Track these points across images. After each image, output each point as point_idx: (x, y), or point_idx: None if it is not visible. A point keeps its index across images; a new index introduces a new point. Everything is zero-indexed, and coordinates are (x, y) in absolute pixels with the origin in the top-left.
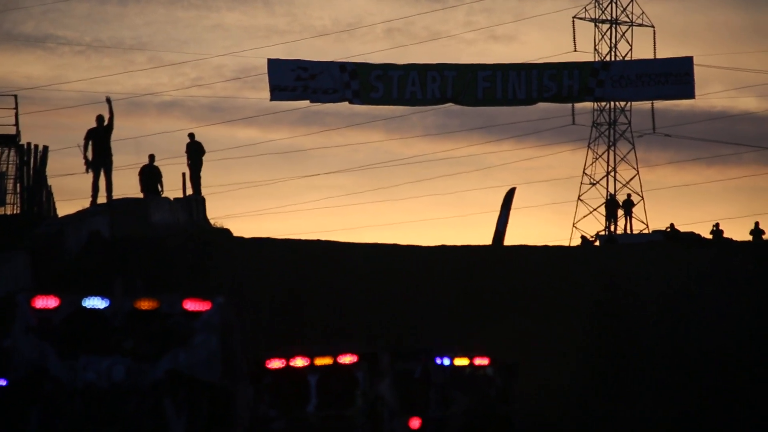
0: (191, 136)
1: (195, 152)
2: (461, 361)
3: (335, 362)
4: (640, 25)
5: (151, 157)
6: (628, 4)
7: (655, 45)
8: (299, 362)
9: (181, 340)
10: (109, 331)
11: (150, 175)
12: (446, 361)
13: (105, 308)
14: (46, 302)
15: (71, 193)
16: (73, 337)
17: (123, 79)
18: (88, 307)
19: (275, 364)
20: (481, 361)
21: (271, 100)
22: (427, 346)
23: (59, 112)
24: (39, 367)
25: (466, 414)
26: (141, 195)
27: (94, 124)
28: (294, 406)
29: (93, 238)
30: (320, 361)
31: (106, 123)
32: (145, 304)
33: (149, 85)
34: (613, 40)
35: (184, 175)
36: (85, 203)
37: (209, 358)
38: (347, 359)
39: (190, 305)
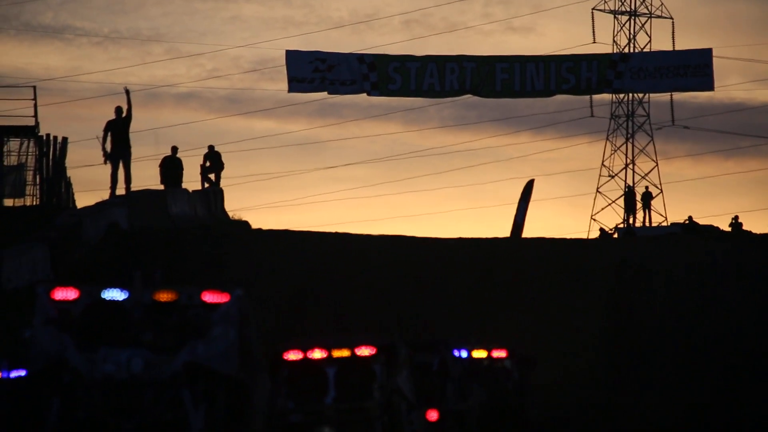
0: (211, 148)
1: (216, 163)
2: (479, 354)
3: (353, 354)
4: (659, 16)
5: (174, 149)
6: None
7: (673, 37)
8: (317, 354)
9: (199, 333)
10: (129, 323)
11: (171, 167)
12: (464, 354)
13: (124, 300)
14: (66, 294)
15: (90, 184)
16: (92, 328)
17: (140, 70)
18: (108, 298)
19: (293, 356)
20: (499, 353)
21: (289, 91)
22: (444, 339)
23: (77, 104)
24: (58, 358)
25: (484, 407)
26: (160, 186)
27: (112, 116)
28: (312, 398)
29: (111, 230)
30: (338, 353)
31: (124, 114)
32: (164, 296)
33: (166, 76)
34: (632, 32)
35: (202, 167)
36: (104, 194)
37: (227, 350)
38: (365, 351)
39: (209, 297)
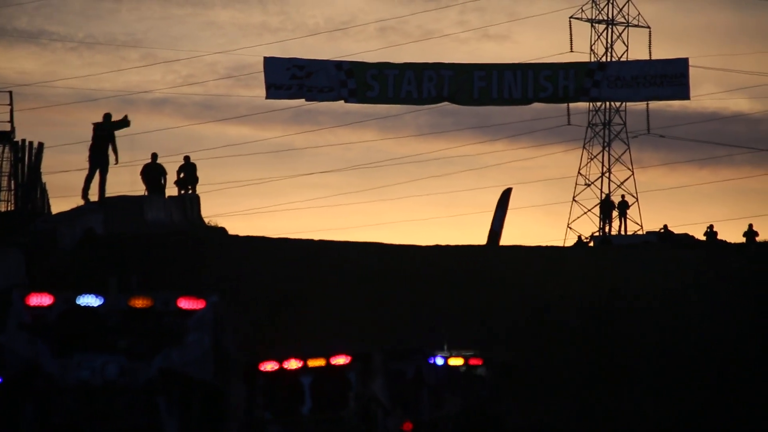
0: (186, 159)
1: (190, 176)
2: (456, 362)
3: (328, 363)
4: (636, 25)
5: (154, 156)
6: (625, 5)
7: (650, 46)
8: (293, 364)
9: (174, 339)
10: (104, 329)
11: (153, 173)
12: (440, 361)
13: (99, 306)
14: (41, 300)
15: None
16: (67, 334)
17: (115, 76)
18: (83, 305)
19: (268, 366)
20: (475, 361)
21: (267, 98)
22: (420, 346)
23: (52, 109)
24: (32, 364)
25: (459, 415)
26: (135, 192)
27: (91, 122)
28: (288, 408)
29: (87, 236)
30: (313, 363)
31: (111, 123)
32: (139, 302)
33: (141, 82)
34: (610, 41)
35: (178, 172)
36: (80, 200)
37: (202, 356)
38: (340, 360)
39: (184, 303)
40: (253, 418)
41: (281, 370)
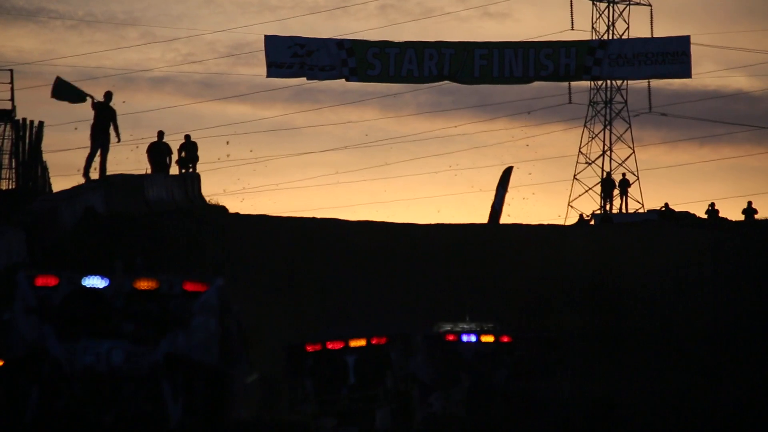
0: (187, 137)
1: (191, 155)
2: (487, 339)
3: (369, 343)
4: (637, 3)
5: (160, 134)
6: None
7: (652, 23)
8: (336, 344)
9: (179, 323)
10: (109, 312)
11: (158, 152)
12: (473, 338)
13: (105, 288)
14: (46, 281)
15: (66, 168)
16: (72, 317)
17: (115, 54)
18: (88, 286)
19: (313, 347)
20: (504, 338)
21: (268, 76)
22: (454, 325)
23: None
24: (39, 348)
25: (484, 389)
26: (137, 171)
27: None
28: (332, 386)
29: (88, 214)
30: (355, 343)
31: (111, 104)
32: (144, 284)
33: (141, 60)
34: (611, 19)
35: (179, 151)
36: (81, 179)
37: (207, 340)
38: (379, 339)
39: (189, 286)
40: (296, 396)
41: (325, 350)
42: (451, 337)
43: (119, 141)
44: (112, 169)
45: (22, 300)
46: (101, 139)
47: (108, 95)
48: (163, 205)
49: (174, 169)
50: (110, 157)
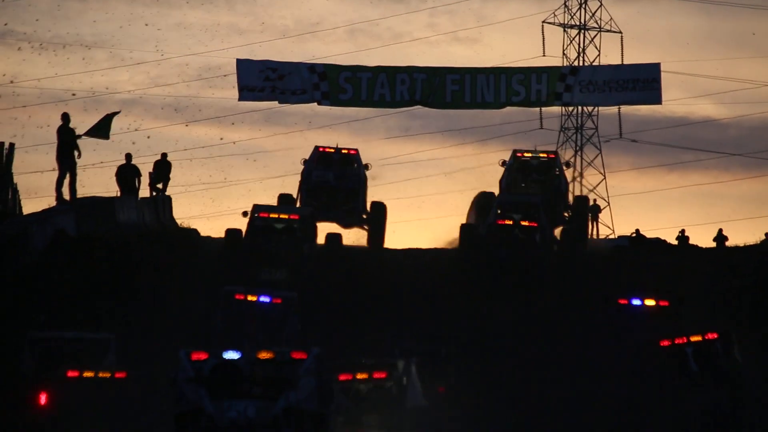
0: (163, 156)
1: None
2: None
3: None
4: (608, 30)
5: (128, 156)
6: (597, 10)
7: (622, 51)
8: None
9: (290, 383)
10: (242, 376)
11: (127, 174)
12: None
13: (238, 359)
14: (198, 356)
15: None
16: (218, 382)
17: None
18: (227, 358)
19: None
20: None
21: (240, 100)
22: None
23: (19, 110)
24: (198, 407)
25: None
26: (108, 194)
27: (57, 122)
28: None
29: (58, 237)
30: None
31: (69, 125)
32: (264, 355)
33: (109, 82)
34: (582, 46)
35: (150, 174)
36: (52, 201)
37: (311, 394)
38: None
39: (296, 355)
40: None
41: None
42: None
43: (80, 156)
44: (82, 192)
45: (183, 371)
46: (68, 162)
47: (65, 116)
48: (135, 228)
49: (144, 192)
50: (82, 179)
